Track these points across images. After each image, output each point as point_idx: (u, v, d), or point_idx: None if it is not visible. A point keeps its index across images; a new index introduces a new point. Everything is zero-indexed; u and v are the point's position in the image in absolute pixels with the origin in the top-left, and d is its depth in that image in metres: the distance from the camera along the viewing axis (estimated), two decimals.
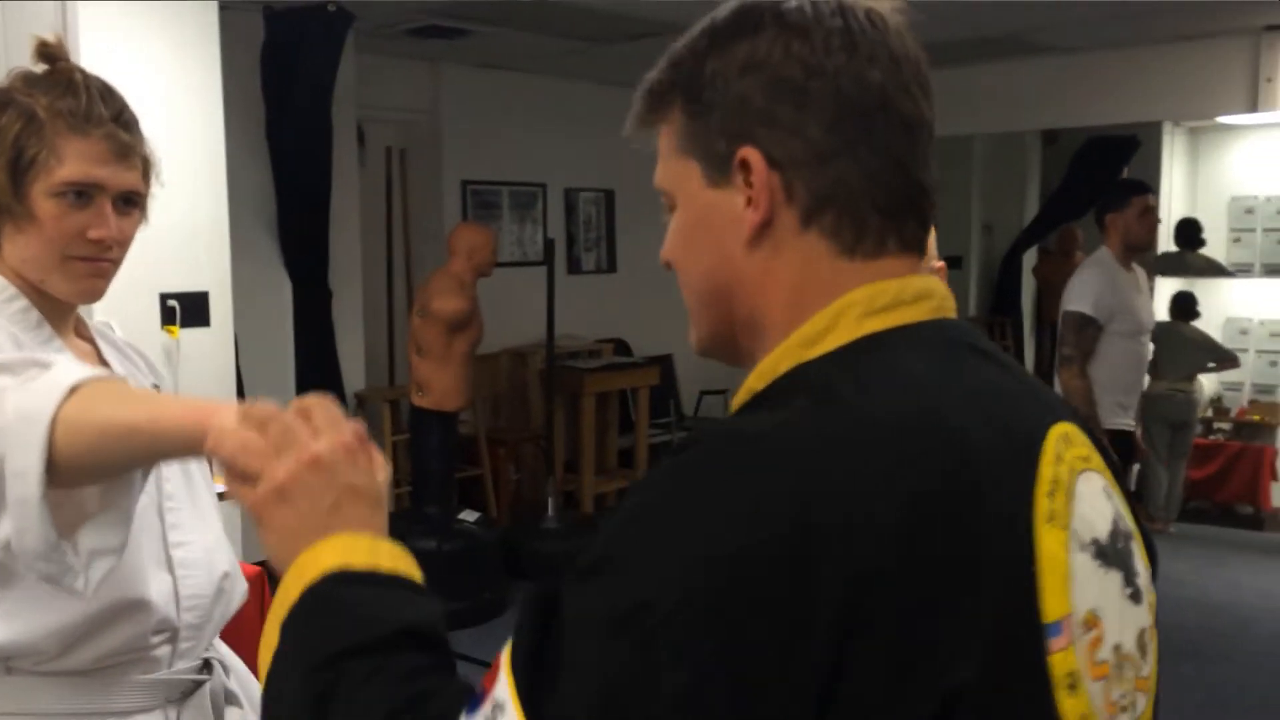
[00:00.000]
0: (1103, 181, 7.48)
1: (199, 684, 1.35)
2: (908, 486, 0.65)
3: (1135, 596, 0.76)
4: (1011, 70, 6.13)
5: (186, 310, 3.15)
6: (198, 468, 1.43)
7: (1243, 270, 6.94)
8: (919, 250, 0.79)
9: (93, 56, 2.74)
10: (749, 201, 0.76)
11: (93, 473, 1.03)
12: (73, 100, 1.26)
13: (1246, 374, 6.88)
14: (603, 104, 6.76)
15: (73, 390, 0.99)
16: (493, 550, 4.83)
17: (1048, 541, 0.70)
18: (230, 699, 1.39)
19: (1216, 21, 5.31)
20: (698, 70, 0.78)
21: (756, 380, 0.78)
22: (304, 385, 4.94)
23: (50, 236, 1.26)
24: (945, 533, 0.65)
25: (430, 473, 4.85)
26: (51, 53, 1.29)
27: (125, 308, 2.40)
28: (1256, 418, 6.69)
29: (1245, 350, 6.83)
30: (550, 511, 5.31)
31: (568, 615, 0.66)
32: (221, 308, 3.26)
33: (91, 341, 1.42)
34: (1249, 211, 6.95)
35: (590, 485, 6.08)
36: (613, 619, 0.63)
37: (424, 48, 5.55)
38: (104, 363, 1.40)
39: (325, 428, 0.85)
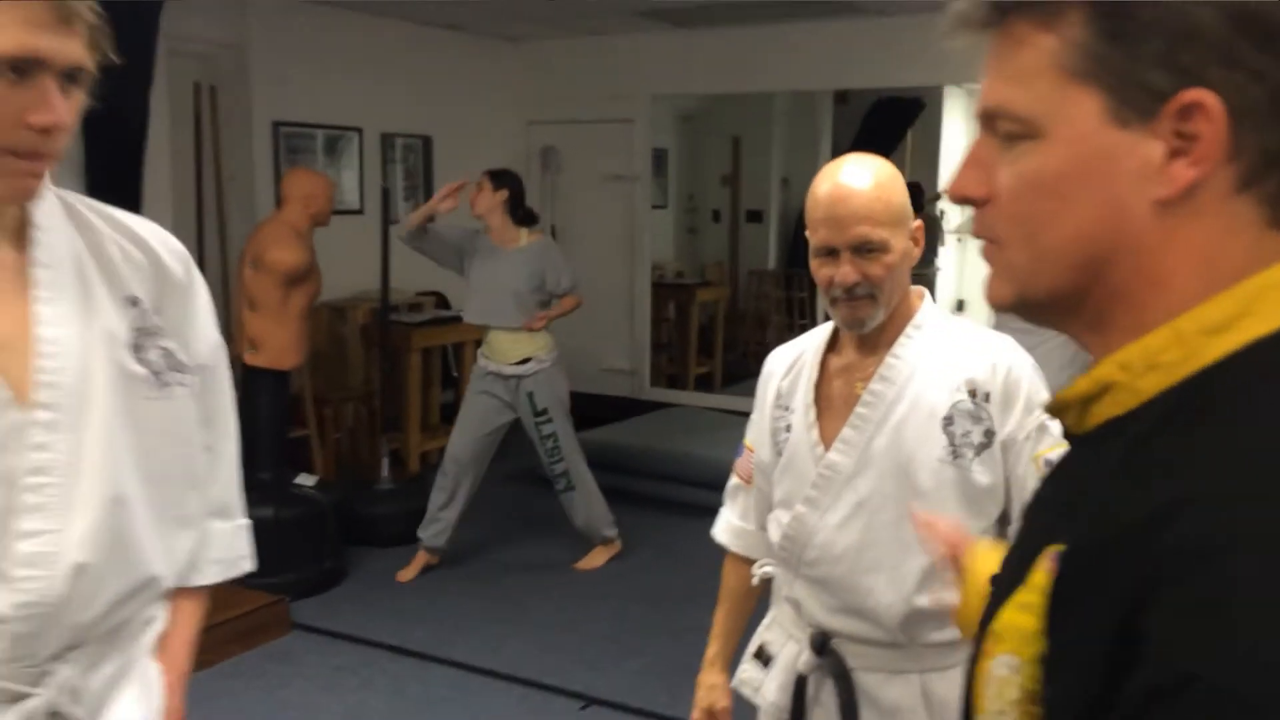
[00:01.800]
0: (890, 140, 7.91)
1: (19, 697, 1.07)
2: None
3: None
4: (813, 30, 6.26)
5: None
6: (149, 394, 1.16)
7: None
8: None
9: None
10: (1175, 153, 0.64)
11: None
12: None
13: None
14: (421, 45, 6.47)
15: None
16: (330, 516, 4.58)
17: None
18: None
19: None
20: None
21: (1128, 375, 0.66)
22: None
23: None
24: None
25: (262, 435, 4.52)
26: None
27: None
28: None
29: None
30: (385, 472, 5.08)
31: None
32: None
33: (22, 248, 1.11)
34: None
35: (417, 444, 5.87)
36: None
37: None
38: (23, 282, 1.10)
39: None
